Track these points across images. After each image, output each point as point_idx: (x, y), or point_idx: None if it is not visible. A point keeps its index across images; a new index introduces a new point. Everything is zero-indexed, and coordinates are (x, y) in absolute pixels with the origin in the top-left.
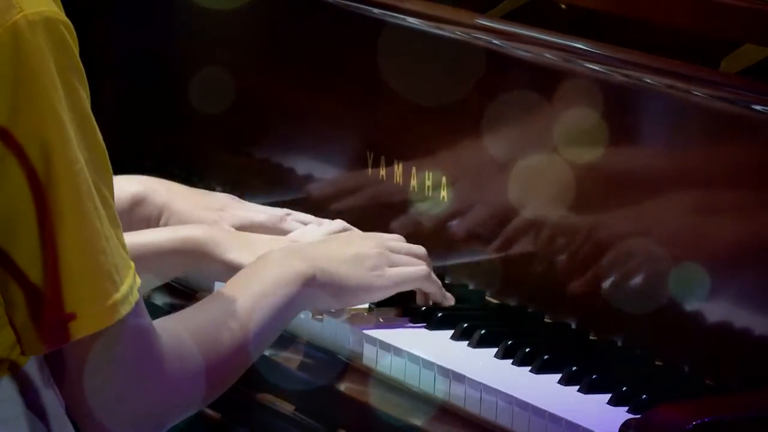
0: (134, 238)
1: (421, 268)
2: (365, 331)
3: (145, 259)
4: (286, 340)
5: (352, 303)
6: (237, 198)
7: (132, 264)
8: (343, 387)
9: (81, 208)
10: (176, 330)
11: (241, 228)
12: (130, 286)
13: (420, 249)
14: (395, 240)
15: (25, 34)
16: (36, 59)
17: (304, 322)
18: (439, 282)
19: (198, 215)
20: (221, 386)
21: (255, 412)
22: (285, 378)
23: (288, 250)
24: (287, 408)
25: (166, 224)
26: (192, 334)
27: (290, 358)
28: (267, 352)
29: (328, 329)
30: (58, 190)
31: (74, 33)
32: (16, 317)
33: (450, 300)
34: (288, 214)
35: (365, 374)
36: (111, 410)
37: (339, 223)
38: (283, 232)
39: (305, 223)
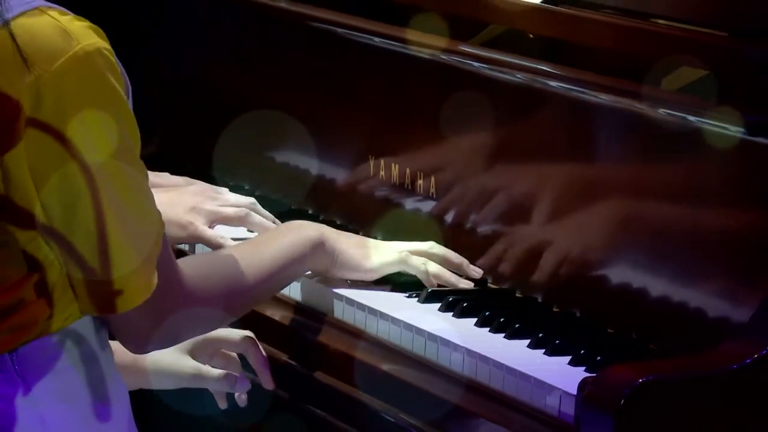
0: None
1: (398, 257)
2: (367, 304)
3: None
4: (308, 312)
5: (342, 275)
6: (205, 188)
7: (158, 215)
8: (349, 350)
9: (123, 201)
10: (202, 267)
11: (213, 222)
12: (155, 241)
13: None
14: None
15: (83, 62)
16: (94, 81)
17: (324, 296)
18: (423, 269)
19: (174, 219)
20: (233, 314)
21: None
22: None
23: (304, 222)
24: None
25: None
26: (215, 271)
27: (321, 334)
28: (266, 311)
29: (337, 302)
30: (105, 187)
31: (115, 56)
32: (76, 286)
33: (474, 273)
34: (253, 204)
35: (366, 340)
36: (140, 329)
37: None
38: (248, 224)
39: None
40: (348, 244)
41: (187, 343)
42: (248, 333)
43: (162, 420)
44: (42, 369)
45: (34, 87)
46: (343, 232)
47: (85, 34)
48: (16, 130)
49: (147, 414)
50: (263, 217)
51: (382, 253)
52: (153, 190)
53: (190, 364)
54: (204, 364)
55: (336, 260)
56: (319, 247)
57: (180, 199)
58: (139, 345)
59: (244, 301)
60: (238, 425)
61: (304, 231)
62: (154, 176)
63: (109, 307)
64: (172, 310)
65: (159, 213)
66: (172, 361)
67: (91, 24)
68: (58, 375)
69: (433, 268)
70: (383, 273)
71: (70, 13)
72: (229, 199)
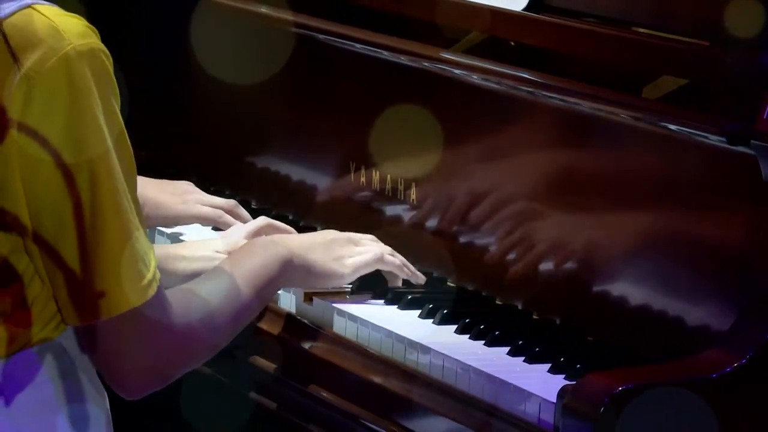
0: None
1: (374, 253)
2: (348, 311)
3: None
4: (291, 319)
5: (319, 285)
6: (192, 184)
7: (152, 246)
8: (330, 356)
9: (120, 207)
10: (183, 300)
11: (203, 203)
12: (155, 266)
13: (371, 237)
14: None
15: (75, 63)
16: (84, 83)
17: (301, 305)
18: (398, 262)
19: (167, 200)
20: (215, 347)
21: (246, 372)
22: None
23: (271, 238)
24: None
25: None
26: (194, 305)
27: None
28: (259, 324)
29: (318, 312)
30: (102, 193)
31: (110, 58)
32: (59, 296)
33: (420, 278)
34: (237, 206)
35: (347, 346)
36: (131, 366)
37: (263, 219)
38: (237, 216)
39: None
40: (317, 253)
41: (228, 243)
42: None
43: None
44: (22, 382)
45: (25, 87)
46: (307, 237)
47: (77, 33)
48: (1, 134)
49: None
50: (243, 219)
51: (352, 255)
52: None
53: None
54: None
55: (313, 273)
56: (288, 264)
57: (171, 187)
58: (129, 385)
59: (228, 332)
60: None
61: (270, 250)
62: None
63: (93, 313)
64: (162, 346)
65: (146, 235)
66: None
67: (86, 23)
68: (37, 388)
69: (399, 260)
70: (359, 274)
71: (63, 11)
72: (213, 197)
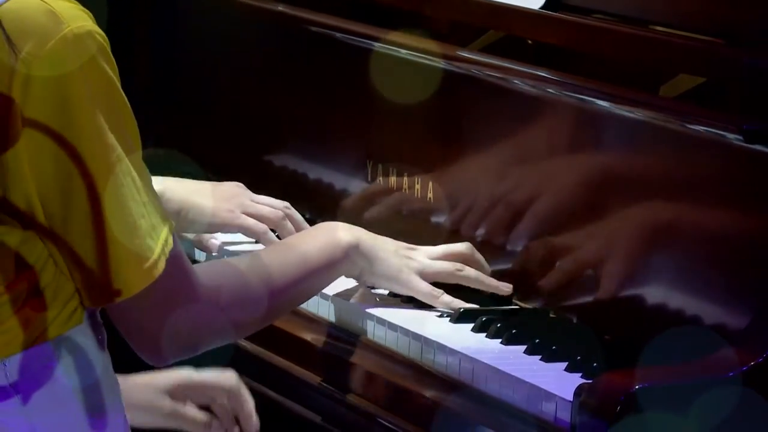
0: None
1: (430, 290)
2: (369, 311)
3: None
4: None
5: (377, 284)
6: (242, 185)
7: (167, 217)
8: (343, 354)
9: (120, 189)
10: (215, 272)
11: (249, 215)
12: (165, 239)
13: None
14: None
15: (72, 45)
16: (83, 64)
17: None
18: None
19: (215, 207)
20: (253, 322)
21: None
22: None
23: (340, 223)
24: (315, 379)
25: (186, 217)
26: (229, 277)
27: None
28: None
29: (344, 312)
30: (100, 175)
31: (108, 42)
32: (76, 284)
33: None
34: (288, 208)
35: (362, 344)
36: (155, 336)
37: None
38: (281, 229)
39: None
40: (386, 252)
41: (167, 384)
42: (231, 378)
43: None
44: (39, 379)
45: (24, 73)
46: (379, 236)
47: (74, 16)
48: (11, 126)
49: None
50: (297, 223)
51: (420, 268)
52: (184, 181)
53: (167, 403)
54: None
55: (372, 268)
56: (352, 251)
57: (217, 191)
58: (155, 353)
59: (265, 308)
60: None
61: (336, 234)
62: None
63: (108, 298)
64: (184, 313)
65: (162, 207)
66: (149, 400)
67: (81, 6)
68: (53, 385)
69: (472, 273)
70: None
71: None
72: (263, 199)
